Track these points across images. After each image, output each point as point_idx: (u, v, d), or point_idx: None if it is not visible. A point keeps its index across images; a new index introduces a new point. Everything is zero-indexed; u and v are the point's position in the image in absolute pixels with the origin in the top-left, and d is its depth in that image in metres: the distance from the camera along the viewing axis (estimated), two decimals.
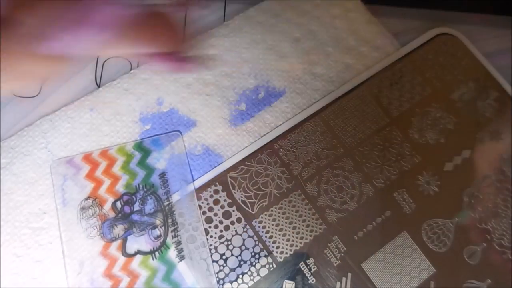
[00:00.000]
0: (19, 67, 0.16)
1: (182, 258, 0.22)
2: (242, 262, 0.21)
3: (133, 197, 0.22)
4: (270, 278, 0.21)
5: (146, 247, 0.22)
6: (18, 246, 0.22)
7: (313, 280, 0.21)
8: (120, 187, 0.23)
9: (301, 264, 0.21)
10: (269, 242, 0.22)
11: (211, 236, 0.22)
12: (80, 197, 0.23)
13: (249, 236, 0.22)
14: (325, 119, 0.24)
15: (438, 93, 0.24)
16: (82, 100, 0.24)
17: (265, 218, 0.22)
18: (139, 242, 0.22)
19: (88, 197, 0.23)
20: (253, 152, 0.23)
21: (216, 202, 0.22)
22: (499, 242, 0.22)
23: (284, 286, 0.21)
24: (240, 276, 0.21)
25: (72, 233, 0.22)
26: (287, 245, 0.22)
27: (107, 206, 0.22)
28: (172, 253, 0.22)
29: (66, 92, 0.25)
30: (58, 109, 0.24)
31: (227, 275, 0.21)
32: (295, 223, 0.22)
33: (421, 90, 0.24)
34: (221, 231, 0.22)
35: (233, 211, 0.22)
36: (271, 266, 0.21)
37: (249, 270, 0.21)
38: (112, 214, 0.22)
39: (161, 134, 0.24)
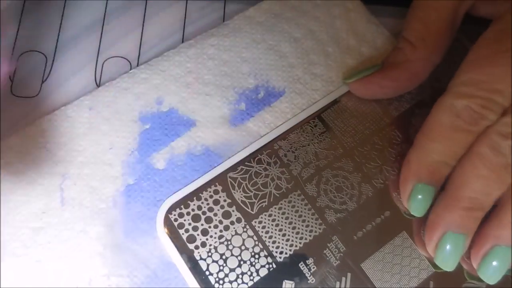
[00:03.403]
0: None
1: None
2: (241, 262, 0.21)
3: None
4: (270, 278, 0.21)
5: None
6: (18, 246, 0.22)
7: (312, 280, 0.21)
8: None
9: (301, 264, 0.22)
10: (269, 242, 0.22)
11: (211, 236, 0.22)
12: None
13: (248, 236, 0.22)
14: (324, 119, 0.24)
15: (438, 93, 0.24)
16: (82, 100, 0.24)
17: (265, 218, 0.22)
18: None
19: None
20: (253, 152, 0.23)
21: (216, 202, 0.22)
22: None
23: (283, 286, 0.21)
24: (240, 276, 0.21)
25: (70, 232, 0.22)
26: (286, 245, 0.22)
27: None
28: None
29: (66, 92, 0.25)
30: (57, 108, 0.24)
31: (227, 275, 0.21)
32: (295, 223, 0.22)
33: (421, 90, 0.24)
34: (220, 231, 0.22)
35: (233, 211, 0.22)
36: (270, 266, 0.21)
37: (249, 270, 0.21)
38: None
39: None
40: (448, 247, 0.20)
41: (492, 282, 0.20)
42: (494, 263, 0.20)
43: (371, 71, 0.23)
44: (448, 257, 0.20)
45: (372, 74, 0.23)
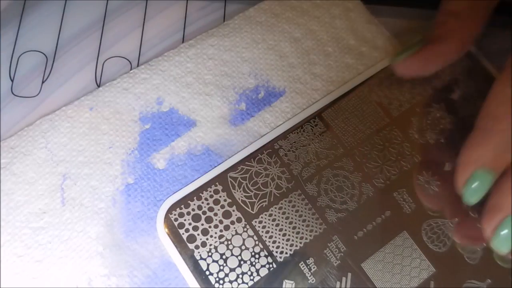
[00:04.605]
0: None
1: None
2: (242, 262, 0.21)
3: None
4: (270, 278, 0.21)
5: None
6: (19, 246, 0.22)
7: (313, 280, 0.21)
8: None
9: (301, 264, 0.22)
10: (269, 242, 0.22)
11: (211, 236, 0.22)
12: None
13: (249, 236, 0.22)
14: (325, 119, 0.24)
15: (438, 93, 0.24)
16: (82, 100, 0.24)
17: (265, 218, 0.22)
18: None
19: None
20: (253, 152, 0.23)
21: (216, 202, 0.22)
22: None
23: (284, 286, 0.21)
24: (240, 276, 0.21)
25: (70, 233, 0.22)
26: (287, 245, 0.22)
27: None
28: None
29: (66, 92, 0.25)
30: (58, 109, 0.24)
31: (227, 275, 0.21)
32: (295, 223, 0.22)
33: (421, 90, 0.24)
34: (221, 230, 0.22)
35: (233, 210, 0.22)
36: (271, 266, 0.21)
37: (249, 270, 0.21)
38: None
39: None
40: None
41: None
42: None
43: (416, 48, 0.22)
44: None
45: (420, 51, 0.22)
